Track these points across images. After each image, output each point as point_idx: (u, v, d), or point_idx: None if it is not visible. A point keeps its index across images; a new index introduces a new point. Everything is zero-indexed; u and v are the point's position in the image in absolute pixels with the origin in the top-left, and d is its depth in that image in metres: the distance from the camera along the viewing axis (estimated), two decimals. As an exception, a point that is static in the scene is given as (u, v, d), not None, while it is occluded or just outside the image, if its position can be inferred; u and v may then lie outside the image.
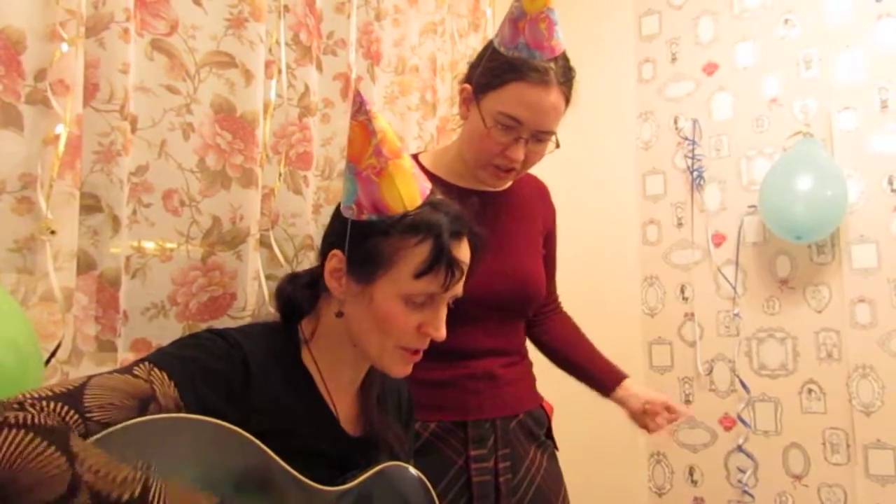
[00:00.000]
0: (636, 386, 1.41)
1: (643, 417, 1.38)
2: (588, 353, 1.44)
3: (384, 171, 0.89)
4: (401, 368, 0.94)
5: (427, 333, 0.92)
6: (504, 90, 1.17)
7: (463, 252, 0.93)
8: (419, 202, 0.91)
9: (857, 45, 2.16)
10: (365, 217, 0.90)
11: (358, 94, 0.89)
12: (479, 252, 0.97)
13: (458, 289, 0.94)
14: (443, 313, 0.93)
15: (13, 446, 0.58)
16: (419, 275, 0.88)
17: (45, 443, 0.59)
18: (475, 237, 0.96)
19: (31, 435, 0.59)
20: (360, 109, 0.89)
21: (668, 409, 1.36)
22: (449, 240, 0.90)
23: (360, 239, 0.90)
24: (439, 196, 0.95)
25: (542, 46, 1.16)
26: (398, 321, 0.90)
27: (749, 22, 2.35)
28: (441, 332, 0.93)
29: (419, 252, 0.89)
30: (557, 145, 1.24)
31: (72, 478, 0.59)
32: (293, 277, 1.02)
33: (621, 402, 1.40)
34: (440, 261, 0.89)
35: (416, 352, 0.94)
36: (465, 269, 0.94)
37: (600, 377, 1.41)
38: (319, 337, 0.95)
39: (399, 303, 0.90)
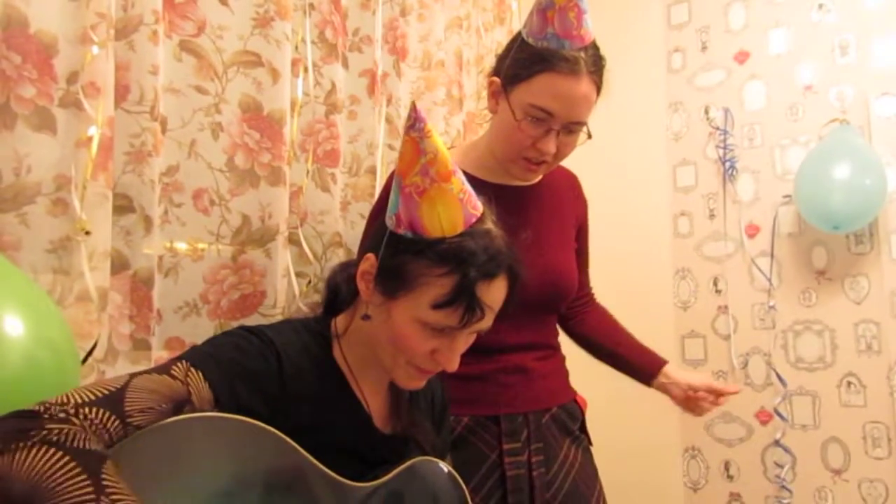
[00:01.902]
0: (676, 371, 1.38)
1: (687, 403, 1.37)
2: (626, 342, 1.43)
3: (426, 192, 0.85)
4: (411, 382, 0.93)
5: (438, 362, 0.90)
6: (534, 81, 1.15)
7: (492, 293, 0.88)
8: (461, 229, 0.87)
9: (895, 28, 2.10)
10: (402, 232, 0.88)
11: (414, 109, 0.85)
12: (517, 287, 0.92)
13: (481, 325, 0.89)
14: (459, 345, 0.90)
15: (48, 465, 0.59)
16: (437, 306, 0.85)
17: (78, 468, 0.60)
18: (514, 274, 0.90)
19: (67, 458, 0.61)
20: (413, 125, 0.85)
21: (712, 390, 1.35)
22: (476, 278, 0.85)
23: (393, 252, 0.88)
24: (487, 225, 0.90)
25: (571, 36, 1.13)
26: (411, 343, 0.88)
27: (782, 8, 2.29)
28: (452, 366, 0.90)
29: (442, 284, 0.85)
30: (589, 136, 1.21)
31: None
32: (346, 266, 1.02)
33: (663, 390, 1.38)
34: (461, 298, 0.85)
35: (428, 370, 0.92)
36: (491, 309, 0.89)
37: (640, 366, 1.40)
38: (350, 333, 0.95)
39: (415, 326, 0.87)
